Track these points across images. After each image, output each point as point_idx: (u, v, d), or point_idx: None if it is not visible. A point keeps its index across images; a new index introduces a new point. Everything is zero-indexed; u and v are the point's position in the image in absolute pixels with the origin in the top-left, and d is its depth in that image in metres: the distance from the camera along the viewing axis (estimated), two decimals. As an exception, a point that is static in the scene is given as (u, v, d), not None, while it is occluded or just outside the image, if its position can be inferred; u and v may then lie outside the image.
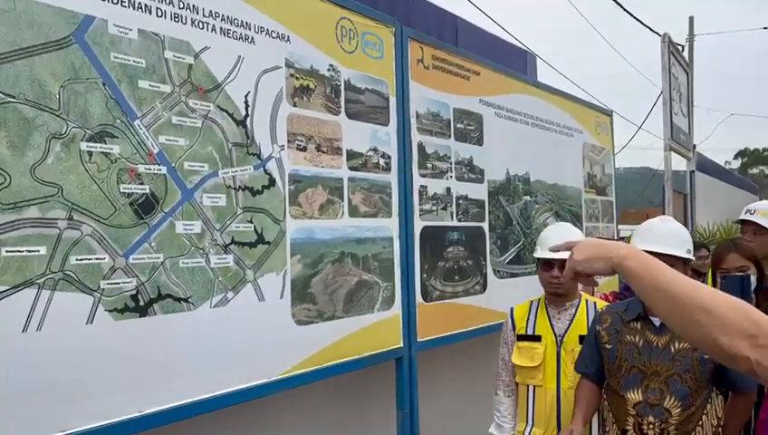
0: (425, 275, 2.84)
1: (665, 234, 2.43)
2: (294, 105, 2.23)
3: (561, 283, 2.69)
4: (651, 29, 11.25)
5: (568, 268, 1.40)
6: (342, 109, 2.42)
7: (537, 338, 2.74)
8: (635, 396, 2.31)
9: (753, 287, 2.70)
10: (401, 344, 2.66)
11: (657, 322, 2.35)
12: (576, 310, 2.76)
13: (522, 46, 5.67)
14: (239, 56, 2.05)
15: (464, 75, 3.13)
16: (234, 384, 1.99)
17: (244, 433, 2.38)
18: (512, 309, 2.91)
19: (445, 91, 3.00)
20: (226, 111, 2.01)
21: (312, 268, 2.27)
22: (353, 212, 2.45)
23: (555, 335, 2.72)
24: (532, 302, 2.88)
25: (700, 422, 2.31)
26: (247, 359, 2.03)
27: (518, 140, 3.59)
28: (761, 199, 4.83)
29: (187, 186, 1.89)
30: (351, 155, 2.45)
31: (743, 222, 3.42)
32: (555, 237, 2.78)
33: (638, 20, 11.33)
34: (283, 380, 2.15)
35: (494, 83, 3.39)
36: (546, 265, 2.73)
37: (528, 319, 2.81)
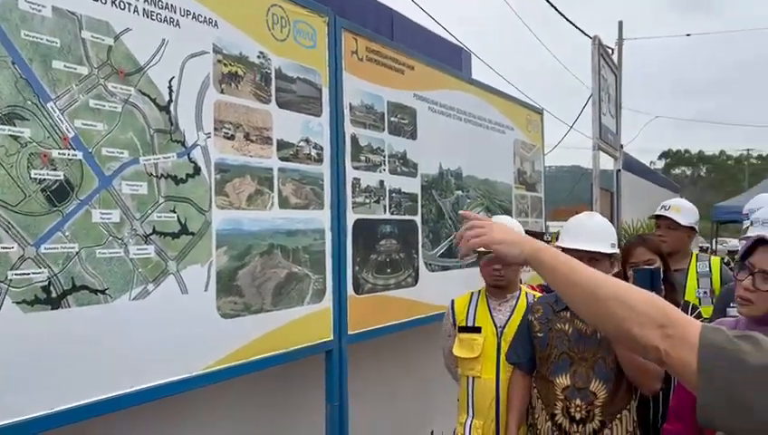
0: (357, 268, 2.83)
1: (590, 230, 2.51)
2: (222, 92, 2.17)
3: (502, 275, 2.74)
4: (582, 31, 11.60)
5: (479, 241, 1.39)
6: (273, 97, 2.37)
7: (477, 329, 2.78)
8: (563, 381, 2.40)
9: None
10: (331, 337, 2.64)
11: None
12: (516, 302, 2.81)
13: (458, 43, 5.74)
14: (163, 39, 1.98)
15: (398, 69, 3.13)
16: (154, 379, 1.92)
17: (168, 429, 2.31)
18: (452, 301, 2.94)
19: (379, 83, 2.99)
20: (149, 96, 1.93)
21: (239, 260, 2.22)
22: (283, 203, 2.41)
23: (496, 327, 2.77)
24: (472, 294, 2.92)
25: (628, 406, 2.41)
26: (169, 353, 1.97)
27: (451, 135, 3.63)
28: (681, 198, 5.05)
29: (105, 173, 1.81)
30: (282, 145, 2.40)
31: (658, 217, 3.57)
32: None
33: (570, 21, 11.67)
34: (207, 374, 2.09)
35: (429, 78, 3.41)
36: (487, 258, 2.78)
37: (468, 311, 2.85)
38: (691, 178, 58.14)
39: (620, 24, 15.17)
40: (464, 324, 2.83)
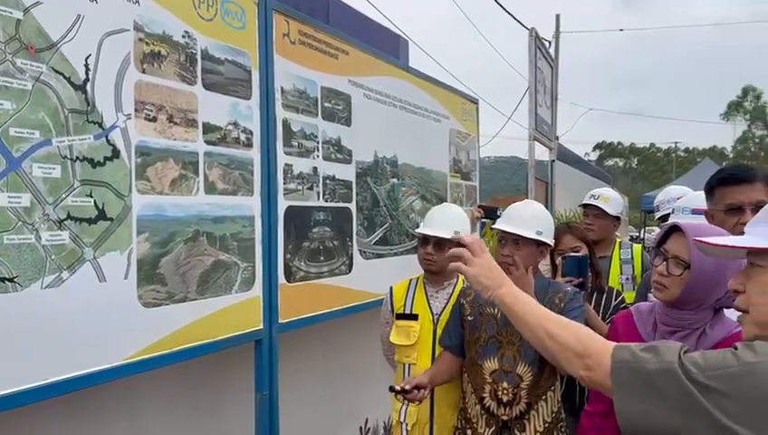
0: (288, 256, 2.78)
1: (519, 215, 2.56)
2: (143, 72, 2.08)
3: (433, 260, 2.76)
4: (521, 23, 11.80)
5: (454, 266, 1.64)
6: (199, 79, 2.29)
7: (414, 317, 2.80)
8: (491, 364, 2.44)
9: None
10: (261, 326, 2.59)
11: None
12: (453, 289, 2.84)
13: (395, 30, 5.72)
14: (78, 15, 1.87)
15: (332, 54, 3.09)
16: (72, 370, 1.83)
17: (88, 420, 2.22)
18: (391, 288, 2.95)
19: (312, 68, 2.93)
20: (62, 74, 1.82)
21: (162, 247, 2.14)
22: (210, 189, 2.33)
23: (432, 314, 2.78)
24: (411, 281, 2.93)
25: (552, 388, 2.48)
26: (85, 343, 1.88)
27: (387, 122, 3.61)
28: (612, 188, 5.21)
29: (14, 154, 1.70)
30: (209, 128, 2.33)
31: (586, 205, 3.69)
32: (438, 216, 2.85)
33: (508, 12, 11.84)
34: (129, 365, 2.02)
35: (364, 64, 3.38)
36: (424, 241, 2.80)
37: (406, 298, 2.87)
38: (623, 169, 60.32)
39: (558, 17, 15.51)
40: (401, 311, 2.84)
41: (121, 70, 2.00)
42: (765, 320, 1.11)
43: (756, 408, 0.95)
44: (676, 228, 1.86)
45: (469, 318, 2.54)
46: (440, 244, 2.76)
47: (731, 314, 1.86)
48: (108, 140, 1.95)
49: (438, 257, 2.76)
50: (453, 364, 2.61)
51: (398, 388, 2.35)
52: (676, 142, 60.15)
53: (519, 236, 2.48)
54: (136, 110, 2.05)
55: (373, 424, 4.02)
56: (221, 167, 2.38)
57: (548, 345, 1.31)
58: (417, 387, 2.36)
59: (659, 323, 1.91)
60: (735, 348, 1.03)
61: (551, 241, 2.57)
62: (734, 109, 48.45)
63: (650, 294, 2.84)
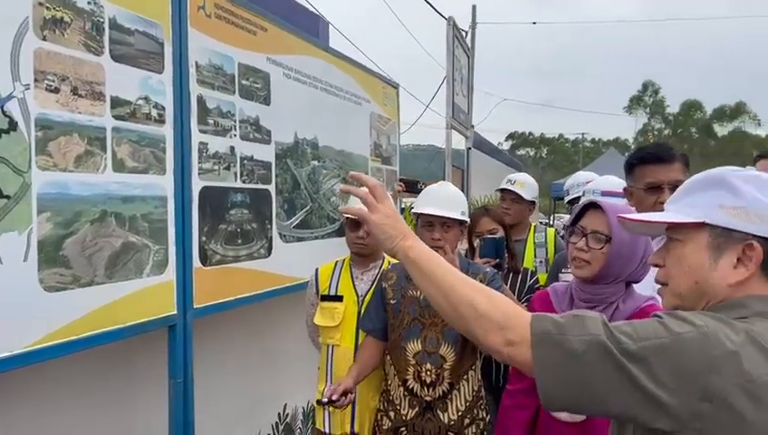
0: (204, 239, 2.68)
1: (442, 197, 2.59)
2: (44, 39, 1.92)
3: (365, 243, 2.75)
4: (438, 12, 11.92)
5: (354, 211, 1.40)
6: (106, 49, 2.15)
7: (339, 298, 2.78)
8: (415, 346, 2.46)
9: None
10: (175, 311, 2.48)
11: None
12: (379, 271, 2.83)
13: (314, 11, 5.62)
14: (-33, -29, 1.70)
15: (250, 30, 2.98)
16: (-39, 362, 1.69)
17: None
18: (316, 270, 2.91)
19: (229, 43, 2.82)
20: (-51, 36, 1.66)
21: (66, 228, 2.00)
22: (119, 167, 2.20)
23: (357, 295, 2.77)
24: (336, 262, 2.90)
25: (473, 367, 2.53)
26: (-21, 331, 1.73)
27: (307, 103, 3.54)
28: (525, 174, 5.35)
29: None
30: (117, 102, 2.19)
31: (503, 190, 3.79)
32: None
33: (426, 1, 11.93)
34: (30, 353, 1.87)
35: (283, 42, 3.29)
36: (353, 225, 2.77)
37: (332, 280, 2.84)
38: (534, 158, 62.53)
39: (474, 7, 15.81)
40: (326, 293, 2.82)
41: (18, 36, 1.84)
42: (683, 291, 1.16)
43: (682, 378, 0.97)
44: (592, 206, 1.93)
45: (392, 302, 2.55)
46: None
47: (640, 289, 1.95)
48: (3, 112, 1.79)
49: (370, 240, 2.75)
50: (377, 350, 2.61)
51: (324, 400, 2.28)
52: (583, 133, 63.05)
53: (448, 218, 2.50)
54: (36, 80, 1.89)
55: (292, 410, 3.97)
56: (131, 143, 2.25)
57: (462, 312, 1.15)
58: (345, 393, 2.31)
59: (576, 299, 1.98)
60: (660, 317, 1.05)
61: (468, 220, 2.65)
62: (635, 103, 51.23)
63: (561, 275, 2.95)
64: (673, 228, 1.18)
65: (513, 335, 1.09)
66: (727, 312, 1.08)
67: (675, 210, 1.18)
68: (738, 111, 47.69)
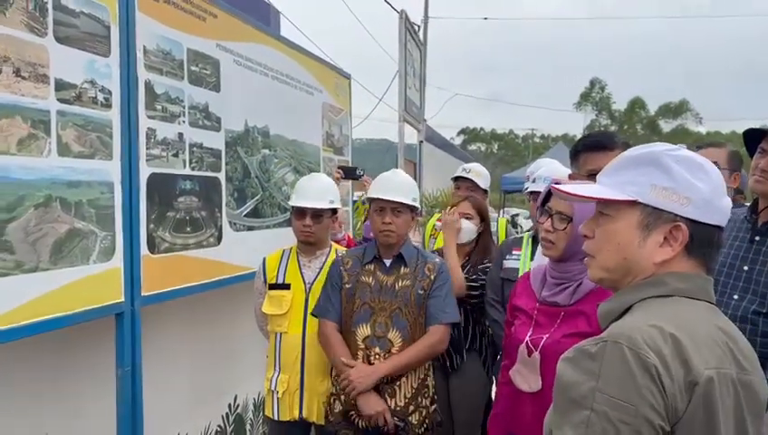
0: (152, 226, 2.65)
1: (394, 184, 2.64)
2: (-16, 17, 1.87)
3: (312, 232, 2.76)
4: (390, 5, 11.95)
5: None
6: (50, 31, 2.10)
7: (286, 286, 2.79)
8: (364, 331, 2.50)
9: None
10: (122, 299, 2.45)
11: (387, 262, 2.56)
12: (326, 258, 2.85)
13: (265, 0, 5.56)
14: None
15: (199, 15, 2.95)
16: None
17: None
18: (264, 259, 2.91)
19: (178, 28, 2.79)
20: None
21: (9, 212, 1.95)
22: (64, 151, 2.15)
23: (305, 283, 2.79)
24: (284, 251, 2.91)
25: None
26: None
27: (258, 91, 3.53)
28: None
29: None
30: (62, 85, 2.14)
31: (458, 179, 3.88)
32: (310, 187, 2.83)
33: (379, -6, 11.93)
34: (-31, 342, 1.83)
35: (234, 29, 3.27)
36: (299, 213, 2.79)
37: (279, 268, 2.85)
38: (485, 153, 63.48)
39: (426, 1, 15.91)
40: (274, 281, 2.83)
41: (-44, 13, 1.79)
42: (611, 266, 1.20)
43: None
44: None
45: (347, 286, 2.58)
46: (317, 215, 2.77)
47: None
48: (-60, 91, 1.74)
49: (317, 228, 2.77)
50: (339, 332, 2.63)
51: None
52: (533, 129, 64.26)
53: (399, 203, 2.55)
54: (-25, 59, 1.84)
55: (243, 400, 3.96)
56: (76, 127, 2.21)
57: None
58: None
59: (548, 278, 2.07)
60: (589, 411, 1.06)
61: (418, 207, 2.71)
62: (584, 99, 52.54)
63: (505, 261, 3.02)
64: (603, 203, 1.20)
65: None
66: (648, 289, 1.14)
67: (608, 185, 1.20)
68: (681, 108, 49.48)
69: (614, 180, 1.19)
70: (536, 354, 1.98)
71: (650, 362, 1.00)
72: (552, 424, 1.11)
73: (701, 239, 1.14)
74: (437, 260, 2.67)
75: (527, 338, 2.03)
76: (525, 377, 2.00)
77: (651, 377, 1.00)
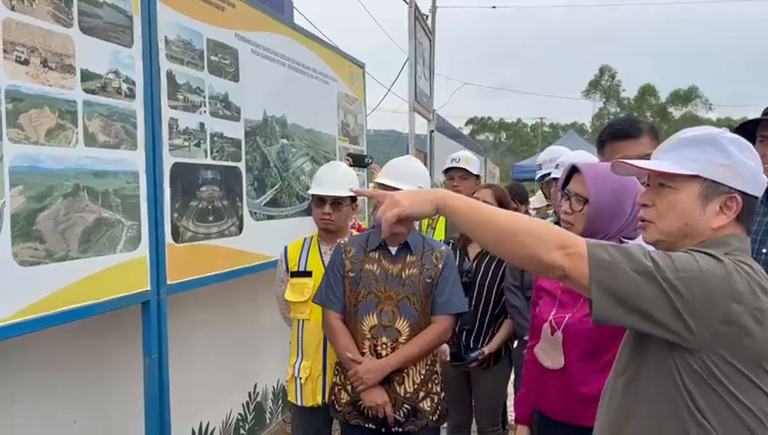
0: (176, 215, 2.67)
1: (404, 171, 2.63)
2: (12, 9, 1.88)
3: (332, 219, 2.77)
4: (400, -6, 11.86)
5: (393, 215, 1.45)
6: (75, 21, 2.11)
7: (308, 274, 2.80)
8: (371, 320, 2.49)
9: None
10: (149, 288, 2.48)
11: (393, 250, 2.54)
12: None
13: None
14: (-68, -64, 1.66)
15: (218, 5, 2.96)
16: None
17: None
18: (286, 248, 2.93)
19: (198, 18, 2.80)
20: None
21: (39, 202, 1.97)
22: (90, 141, 2.17)
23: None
24: (305, 239, 2.92)
25: None
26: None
27: (275, 81, 3.54)
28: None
29: None
30: (87, 76, 2.16)
31: (450, 169, 3.88)
32: (329, 175, 2.84)
33: (388, -16, 11.87)
34: (3, 328, 1.86)
35: (251, 19, 3.27)
36: (319, 202, 2.79)
37: (301, 256, 2.86)
38: (494, 143, 63.15)
39: (435, -9, 15.81)
40: (296, 269, 2.84)
41: (-15, 4, 1.81)
42: (672, 230, 1.36)
43: (708, 305, 1.19)
44: (574, 170, 2.01)
45: (350, 274, 2.56)
46: (337, 203, 2.78)
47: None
48: (-28, 82, 1.76)
49: (336, 216, 2.78)
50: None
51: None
52: (541, 118, 63.86)
53: (400, 190, 2.53)
54: (5, 50, 1.86)
55: (263, 388, 4.00)
56: (101, 118, 2.23)
57: (522, 239, 1.28)
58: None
59: None
60: (691, 253, 1.24)
61: None
62: (593, 87, 52.10)
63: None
64: (666, 177, 1.36)
65: (572, 251, 1.25)
66: (715, 248, 1.28)
67: (670, 160, 1.35)
68: (691, 94, 49.00)
69: (674, 157, 1.35)
70: (558, 333, 2.00)
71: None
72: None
73: (748, 208, 1.33)
74: (444, 248, 2.65)
75: (551, 317, 2.05)
76: (549, 354, 2.03)
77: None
